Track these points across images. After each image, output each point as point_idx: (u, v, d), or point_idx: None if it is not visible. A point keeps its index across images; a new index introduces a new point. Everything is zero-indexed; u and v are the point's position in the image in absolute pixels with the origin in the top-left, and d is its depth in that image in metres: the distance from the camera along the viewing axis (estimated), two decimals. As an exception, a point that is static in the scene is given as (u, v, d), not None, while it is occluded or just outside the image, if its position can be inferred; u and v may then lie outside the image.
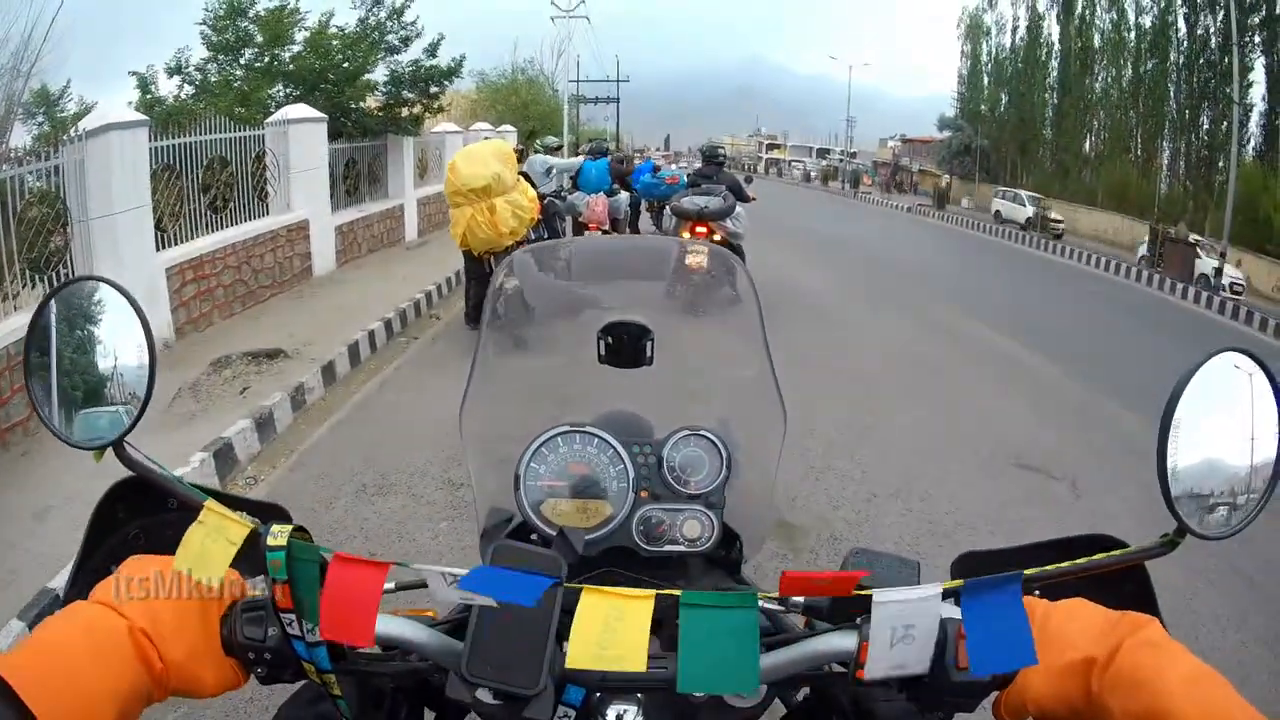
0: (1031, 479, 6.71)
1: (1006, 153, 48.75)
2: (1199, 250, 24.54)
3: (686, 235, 10.93)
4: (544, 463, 1.43)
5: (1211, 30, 36.86)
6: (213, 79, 16.05)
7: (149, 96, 15.94)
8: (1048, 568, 0.98)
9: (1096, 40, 43.53)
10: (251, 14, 15.74)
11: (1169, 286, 22.47)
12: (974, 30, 52.34)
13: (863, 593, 0.91)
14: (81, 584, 1.02)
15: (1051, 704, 0.90)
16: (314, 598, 0.93)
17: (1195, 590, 4.91)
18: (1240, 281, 23.53)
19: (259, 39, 15.79)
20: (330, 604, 0.92)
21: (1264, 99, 33.52)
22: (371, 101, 16.70)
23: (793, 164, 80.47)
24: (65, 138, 8.22)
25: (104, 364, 1.10)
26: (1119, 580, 1.09)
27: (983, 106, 51.48)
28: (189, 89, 16.19)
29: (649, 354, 1.57)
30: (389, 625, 0.99)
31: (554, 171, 13.08)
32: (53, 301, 1.11)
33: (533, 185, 9.92)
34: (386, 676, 1.14)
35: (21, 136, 19.10)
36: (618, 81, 55.29)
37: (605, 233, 12.10)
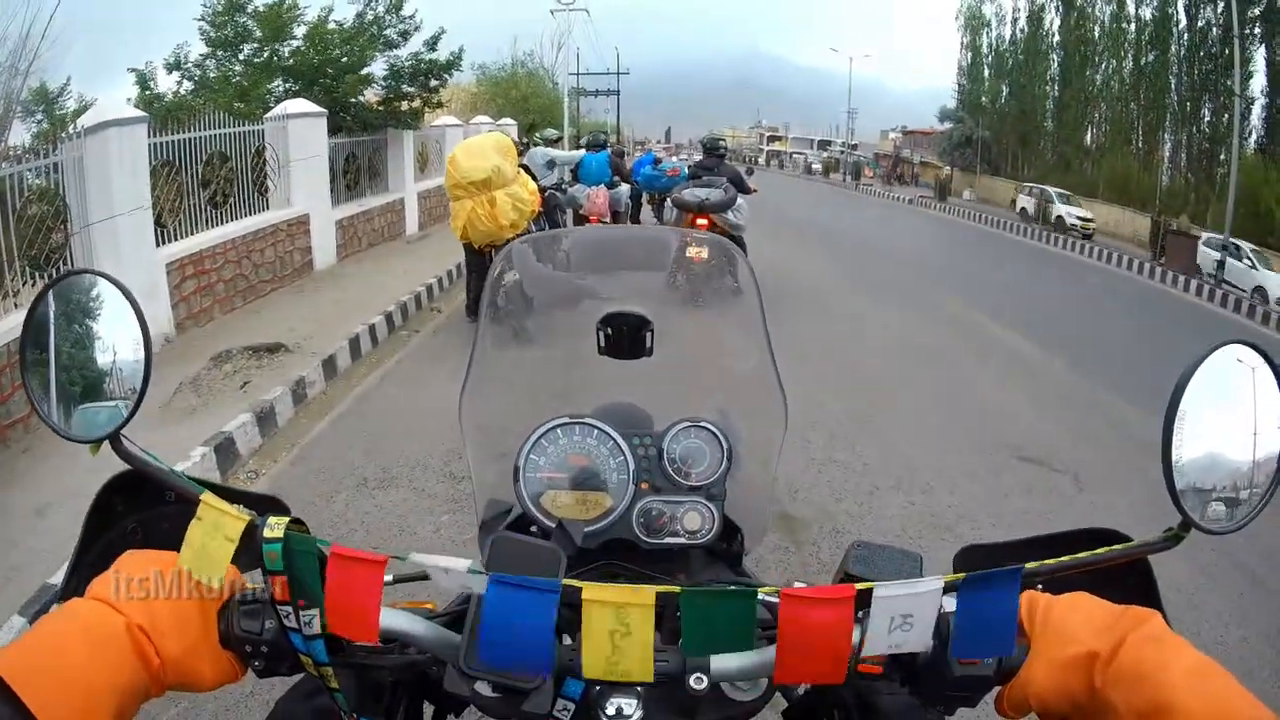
0: (1034, 471, 6.70)
1: (1007, 144, 48.74)
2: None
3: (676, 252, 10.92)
4: (543, 454, 1.42)
5: (1212, 22, 36.78)
6: (212, 75, 16.04)
7: (148, 93, 15.95)
8: (1049, 561, 0.97)
9: (1097, 32, 43.44)
10: (250, 9, 15.73)
11: (1171, 279, 22.42)
12: (973, 22, 52.26)
13: (864, 586, 0.90)
14: (79, 578, 1.02)
15: (1054, 698, 0.89)
16: (313, 589, 0.93)
17: (1198, 586, 4.91)
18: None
19: (258, 34, 15.79)
20: (333, 600, 0.91)
21: (1264, 92, 33.49)
22: (371, 95, 16.70)
23: (794, 156, 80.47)
24: (64, 135, 8.22)
25: (100, 358, 1.09)
26: (1122, 574, 1.08)
27: (983, 98, 51.42)
28: (188, 85, 16.20)
29: (649, 345, 1.56)
30: (387, 618, 0.98)
31: (554, 164, 13.07)
32: (49, 295, 1.10)
33: (533, 178, 9.91)
34: (385, 669, 1.14)
35: (21, 134, 19.13)
36: (618, 74, 55.33)
37: (606, 225, 12.10)
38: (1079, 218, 33.78)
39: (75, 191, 7.99)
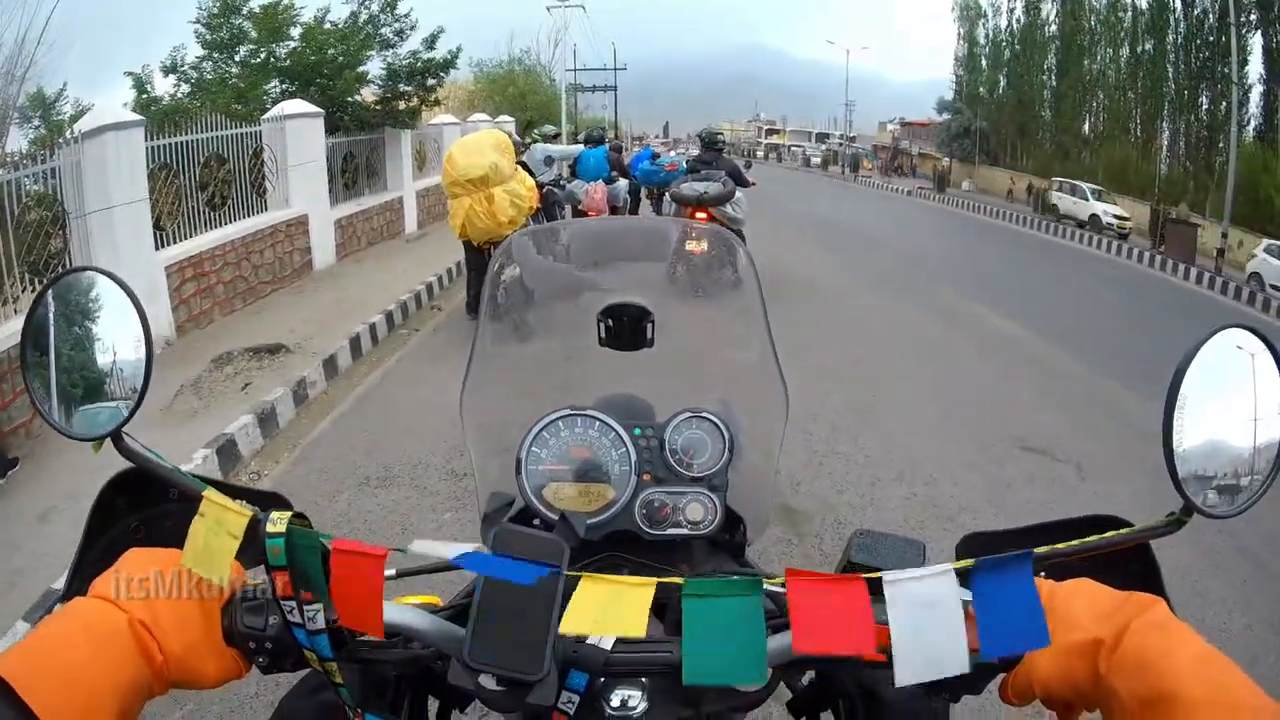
0: (1036, 461, 6.70)
1: (1006, 135, 48.75)
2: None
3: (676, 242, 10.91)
4: (545, 447, 1.42)
5: (1208, 9, 36.74)
6: (208, 77, 16.07)
7: (145, 96, 15.99)
8: (1056, 546, 0.97)
9: (1094, 22, 43.41)
10: (245, 11, 15.77)
11: (1171, 267, 22.41)
12: (969, 13, 52.25)
13: (872, 575, 0.90)
14: (82, 577, 1.01)
15: (1058, 685, 0.89)
16: (317, 583, 0.93)
17: (1202, 571, 4.91)
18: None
19: (253, 35, 15.82)
20: (339, 593, 0.92)
21: (1261, 78, 33.46)
22: (368, 95, 16.70)
23: (792, 149, 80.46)
24: (61, 140, 8.23)
25: (101, 355, 1.09)
26: (1125, 560, 1.08)
27: (981, 89, 51.44)
28: (185, 87, 16.22)
29: (649, 336, 1.56)
30: (391, 613, 0.98)
31: (552, 160, 13.06)
32: (49, 294, 1.10)
33: (531, 174, 9.91)
34: (389, 664, 1.14)
35: (18, 140, 19.13)
36: (614, 70, 55.30)
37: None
38: (1116, 216, 31.54)
39: (73, 196, 8.00)
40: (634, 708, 0.98)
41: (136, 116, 9.27)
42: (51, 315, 1.09)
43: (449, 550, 0.92)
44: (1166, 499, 0.94)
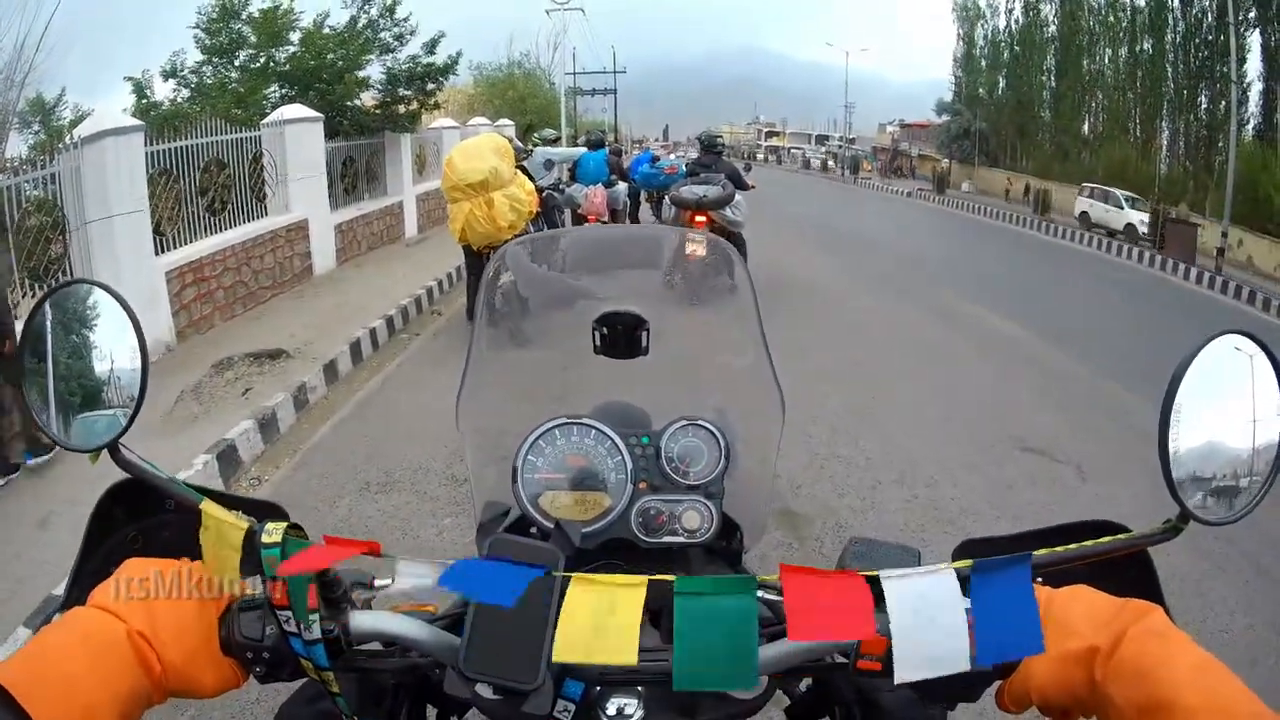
0: (1036, 463, 6.69)
1: (1006, 136, 48.76)
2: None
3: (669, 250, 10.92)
4: (541, 455, 1.42)
5: (1207, 9, 36.72)
6: (208, 81, 16.15)
7: (145, 101, 16.02)
8: (1055, 549, 0.97)
9: (1092, 22, 43.40)
10: (245, 15, 15.80)
11: (1172, 267, 22.39)
12: (968, 14, 52.27)
13: (869, 573, 0.90)
14: (81, 587, 1.01)
15: (1055, 693, 0.89)
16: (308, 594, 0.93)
17: (1204, 573, 4.90)
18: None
19: (253, 40, 15.87)
20: (299, 554, 0.92)
21: (1261, 77, 33.43)
22: (368, 99, 16.72)
23: (792, 151, 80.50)
24: (61, 145, 8.24)
25: (98, 367, 1.10)
26: (1122, 567, 1.08)
27: (980, 90, 51.45)
28: (185, 92, 16.28)
29: (645, 344, 1.56)
30: (386, 621, 0.99)
31: (552, 164, 13.07)
32: (46, 306, 1.10)
33: (531, 179, 9.91)
34: (387, 673, 1.14)
35: (17, 146, 19.16)
36: (614, 73, 55.34)
37: (604, 224, 12.10)
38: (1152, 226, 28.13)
39: (73, 202, 8.01)
40: (630, 716, 0.98)
41: (136, 121, 9.31)
42: (49, 326, 1.10)
43: (434, 569, 0.92)
44: (1168, 501, 0.94)
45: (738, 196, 11.56)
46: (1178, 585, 4.58)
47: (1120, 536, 1.00)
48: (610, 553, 1.36)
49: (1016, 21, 48.59)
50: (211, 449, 6.05)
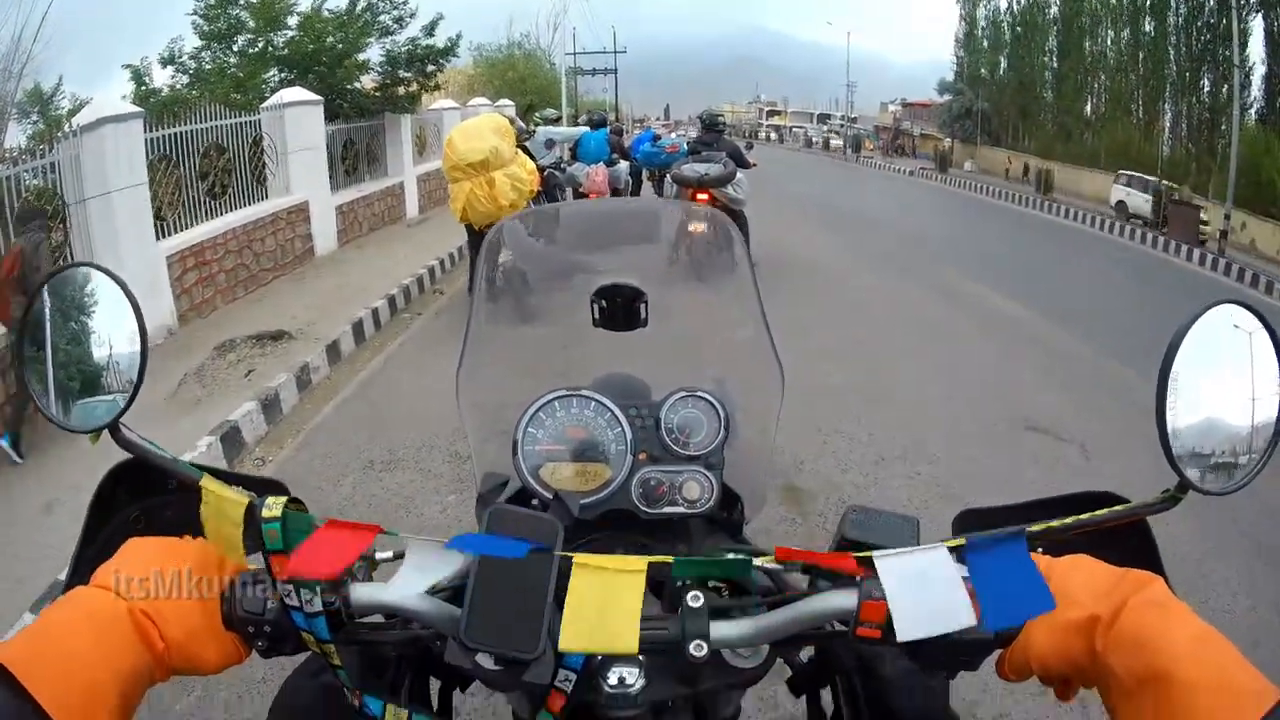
0: (1040, 441, 6.70)
1: (1008, 116, 48.53)
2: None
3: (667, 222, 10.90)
4: (541, 427, 1.42)
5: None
6: (207, 67, 16.11)
7: (144, 88, 15.99)
8: (1051, 523, 0.98)
9: (1094, 3, 43.09)
10: (243, 1, 15.73)
11: (1174, 248, 22.29)
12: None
13: (863, 554, 0.90)
14: (83, 568, 1.02)
15: (1055, 661, 0.89)
16: None
17: (1205, 554, 4.89)
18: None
19: (251, 25, 15.82)
20: (308, 548, 0.92)
21: (1264, 61, 33.14)
22: (368, 81, 16.69)
23: (793, 130, 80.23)
24: (60, 134, 8.23)
25: (98, 349, 1.11)
26: (1122, 537, 1.08)
27: (982, 70, 51.19)
28: (184, 79, 16.24)
29: (643, 316, 1.57)
30: (387, 593, 0.99)
31: (554, 143, 13.05)
32: (45, 289, 1.11)
33: (532, 158, 9.89)
34: (388, 645, 1.14)
35: (16, 136, 19.14)
36: (614, 53, 55.08)
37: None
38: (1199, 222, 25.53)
39: (73, 190, 8.01)
40: (631, 685, 0.98)
41: (135, 108, 9.32)
42: (48, 310, 1.11)
43: (438, 547, 0.92)
44: (1171, 478, 0.94)
45: (739, 174, 11.51)
46: (1179, 565, 4.56)
47: (1118, 507, 1.00)
48: (611, 524, 1.36)
49: (1018, 2, 48.31)
50: (215, 431, 6.06)
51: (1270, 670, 0.78)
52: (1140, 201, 28.80)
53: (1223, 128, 33.60)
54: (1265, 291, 18.13)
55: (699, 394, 1.45)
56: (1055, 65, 46.17)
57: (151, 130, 9.43)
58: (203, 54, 16.16)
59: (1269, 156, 27.77)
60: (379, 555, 1.09)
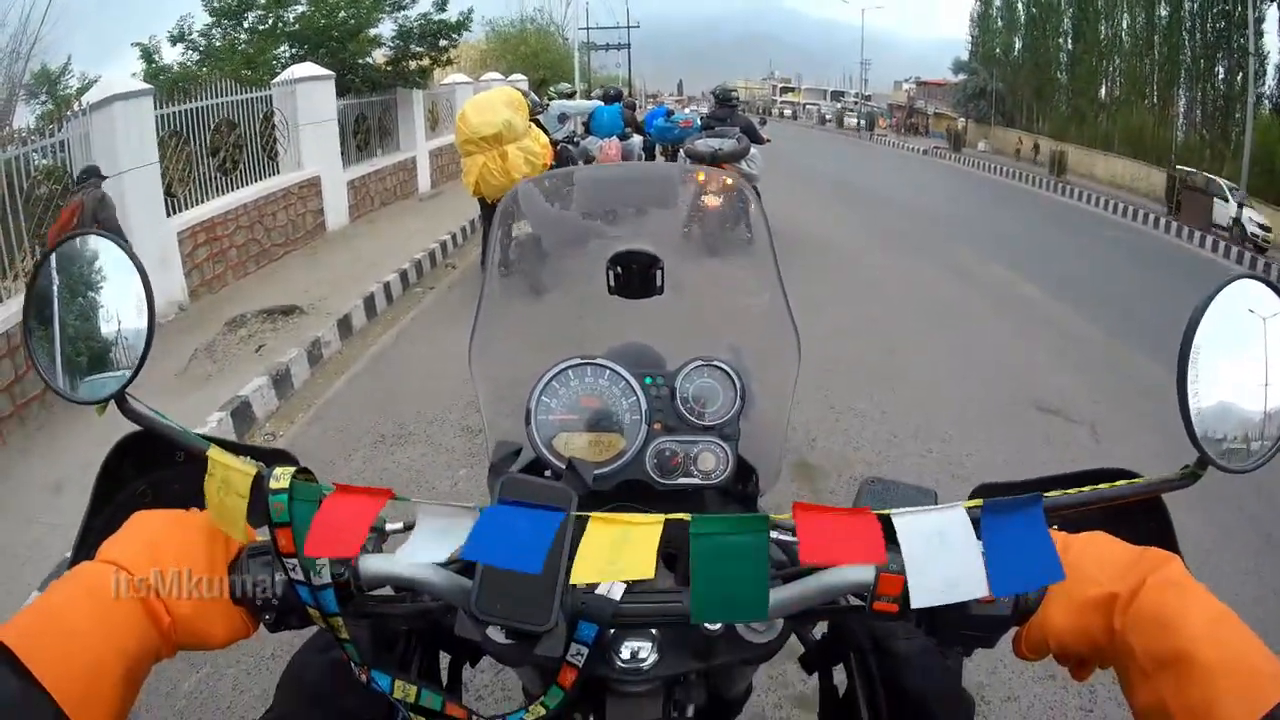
0: (1051, 422, 6.69)
1: (1022, 96, 48.24)
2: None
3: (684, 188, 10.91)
4: (555, 396, 1.41)
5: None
6: (217, 44, 16.08)
7: (153, 66, 15.97)
8: (1069, 491, 0.96)
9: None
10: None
11: (1187, 234, 22.15)
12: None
13: (881, 512, 0.89)
14: (89, 543, 1.00)
15: (1073, 640, 0.89)
16: None
17: (1214, 542, 4.86)
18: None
19: (261, 1, 15.77)
20: (320, 525, 0.90)
21: (1280, 50, 32.92)
22: (379, 56, 16.65)
23: (807, 107, 79.97)
24: (70, 113, 8.23)
25: (104, 318, 1.08)
26: (1138, 516, 1.08)
27: (997, 50, 50.88)
28: (194, 56, 16.22)
29: (659, 283, 1.55)
30: (396, 565, 0.97)
31: (567, 117, 13.04)
32: (51, 258, 1.09)
33: (545, 131, 9.87)
34: (399, 619, 1.14)
35: (25, 117, 19.18)
36: (628, 27, 54.83)
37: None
38: (1260, 225, 23.28)
39: (83, 168, 8.01)
40: (644, 659, 0.98)
41: (145, 85, 9.29)
42: (54, 281, 1.09)
43: (455, 510, 0.91)
44: (1181, 460, 0.93)
45: (753, 150, 11.49)
46: (1188, 553, 4.56)
47: (1137, 481, 0.99)
48: (625, 494, 1.35)
49: (1033, -18, 47.95)
50: (225, 406, 6.07)
51: (1280, 658, 0.77)
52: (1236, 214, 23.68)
53: (1237, 115, 33.32)
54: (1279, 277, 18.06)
55: (715, 363, 1.43)
56: (1070, 47, 45.86)
57: (162, 107, 9.42)
58: (213, 31, 16.13)
59: (1283, 145, 27.61)
60: (389, 527, 1.08)
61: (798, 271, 9.85)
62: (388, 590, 1.04)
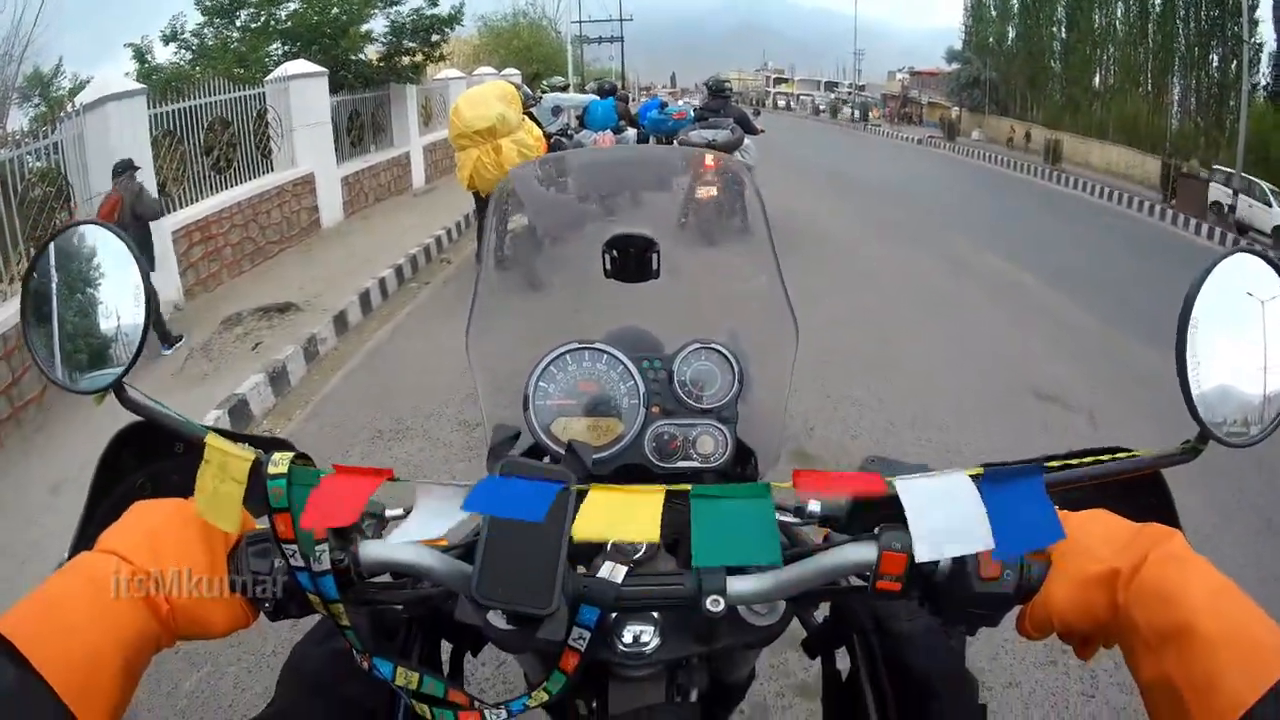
0: (1048, 409, 6.70)
1: (1016, 85, 48.21)
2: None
3: (680, 172, 10.95)
4: (553, 381, 1.41)
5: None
6: (209, 43, 16.14)
7: (146, 66, 16.04)
8: (1071, 461, 0.96)
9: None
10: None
11: (1182, 222, 22.18)
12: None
13: (887, 478, 0.89)
14: (89, 535, 0.99)
15: (1076, 616, 0.89)
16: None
17: (1213, 528, 4.85)
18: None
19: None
20: (318, 498, 0.91)
21: (1276, 39, 32.83)
22: (372, 52, 16.64)
23: (801, 98, 80.00)
24: (63, 114, 8.24)
25: (102, 309, 1.08)
26: (1139, 492, 1.08)
27: (990, 39, 50.86)
28: (186, 55, 16.27)
29: (655, 267, 1.55)
30: (397, 551, 0.97)
31: (560, 110, 13.05)
32: (49, 249, 1.08)
33: (539, 125, 9.86)
34: (399, 608, 1.13)
35: (18, 120, 19.19)
36: (620, 21, 54.80)
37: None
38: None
39: (77, 169, 8.03)
40: (646, 643, 0.97)
41: (138, 85, 9.31)
42: (52, 271, 1.08)
43: (453, 489, 0.91)
44: (1187, 431, 0.93)
45: (747, 140, 11.50)
46: (1188, 538, 4.56)
47: (1139, 454, 0.98)
48: (624, 478, 1.34)
49: (1027, -29, 47.90)
50: (223, 404, 6.08)
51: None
52: (1243, 207, 23.50)
53: (1231, 103, 33.31)
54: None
55: (712, 346, 1.43)
56: (1064, 36, 45.83)
57: (155, 106, 9.43)
58: (205, 30, 16.22)
59: (1278, 133, 27.63)
60: (388, 513, 1.08)
61: (794, 262, 9.79)
62: (387, 577, 1.03)
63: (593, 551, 1.01)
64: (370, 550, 0.97)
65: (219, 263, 10.17)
